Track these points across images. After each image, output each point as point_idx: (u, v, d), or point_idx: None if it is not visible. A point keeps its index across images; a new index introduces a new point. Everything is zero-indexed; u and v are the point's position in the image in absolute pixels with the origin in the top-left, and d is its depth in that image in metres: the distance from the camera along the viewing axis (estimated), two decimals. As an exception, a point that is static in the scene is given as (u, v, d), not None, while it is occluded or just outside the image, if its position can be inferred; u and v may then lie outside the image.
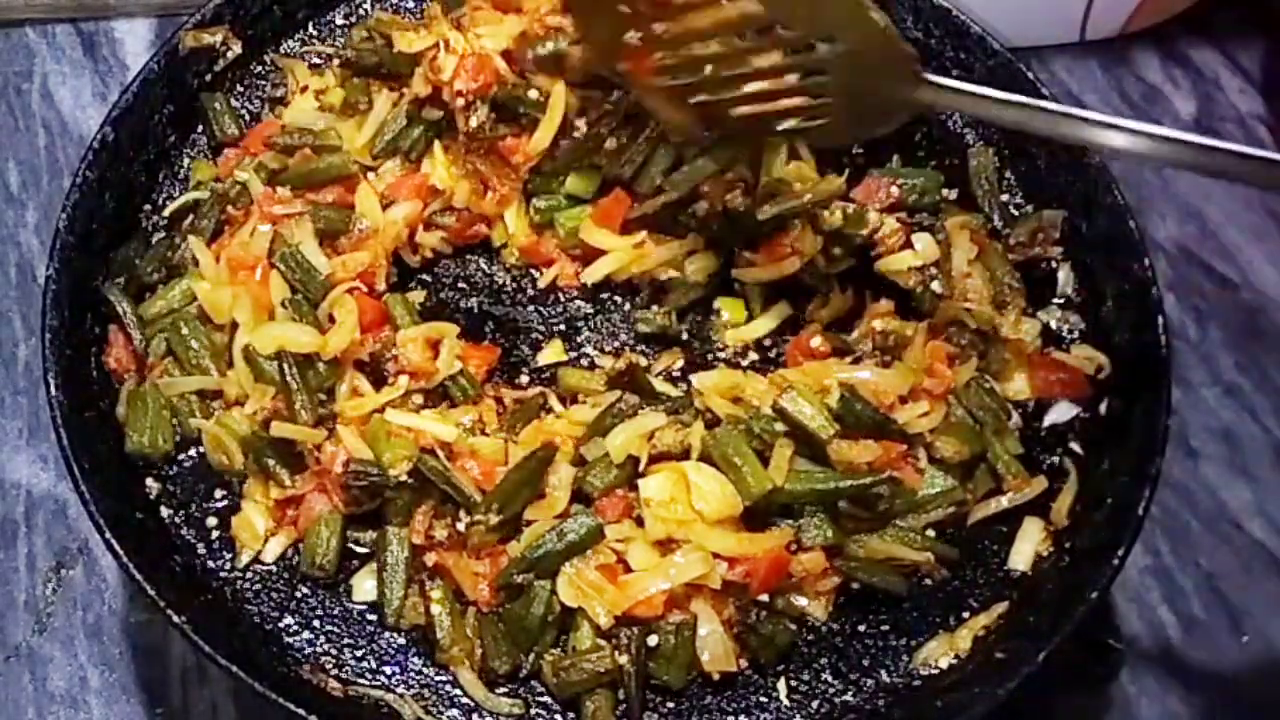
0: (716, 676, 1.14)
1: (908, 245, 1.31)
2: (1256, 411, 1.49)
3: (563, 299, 1.35)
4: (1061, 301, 1.32)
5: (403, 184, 1.32)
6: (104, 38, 1.68)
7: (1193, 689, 1.34)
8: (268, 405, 1.20)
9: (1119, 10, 1.66)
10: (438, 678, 1.15)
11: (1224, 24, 1.73)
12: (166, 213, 1.32)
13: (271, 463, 1.19)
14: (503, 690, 1.15)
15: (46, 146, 1.60)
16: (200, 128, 1.37)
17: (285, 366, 1.19)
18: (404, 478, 1.15)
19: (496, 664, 1.14)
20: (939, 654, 1.17)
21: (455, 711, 1.14)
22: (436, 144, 1.33)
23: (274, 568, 1.19)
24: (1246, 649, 1.36)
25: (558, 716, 1.14)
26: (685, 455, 1.17)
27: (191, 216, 1.31)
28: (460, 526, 1.15)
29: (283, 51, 1.42)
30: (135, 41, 1.68)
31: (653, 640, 1.13)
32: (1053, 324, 1.31)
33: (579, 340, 1.33)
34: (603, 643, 1.13)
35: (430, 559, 1.16)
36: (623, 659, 1.12)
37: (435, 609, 1.15)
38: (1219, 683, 1.35)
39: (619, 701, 1.13)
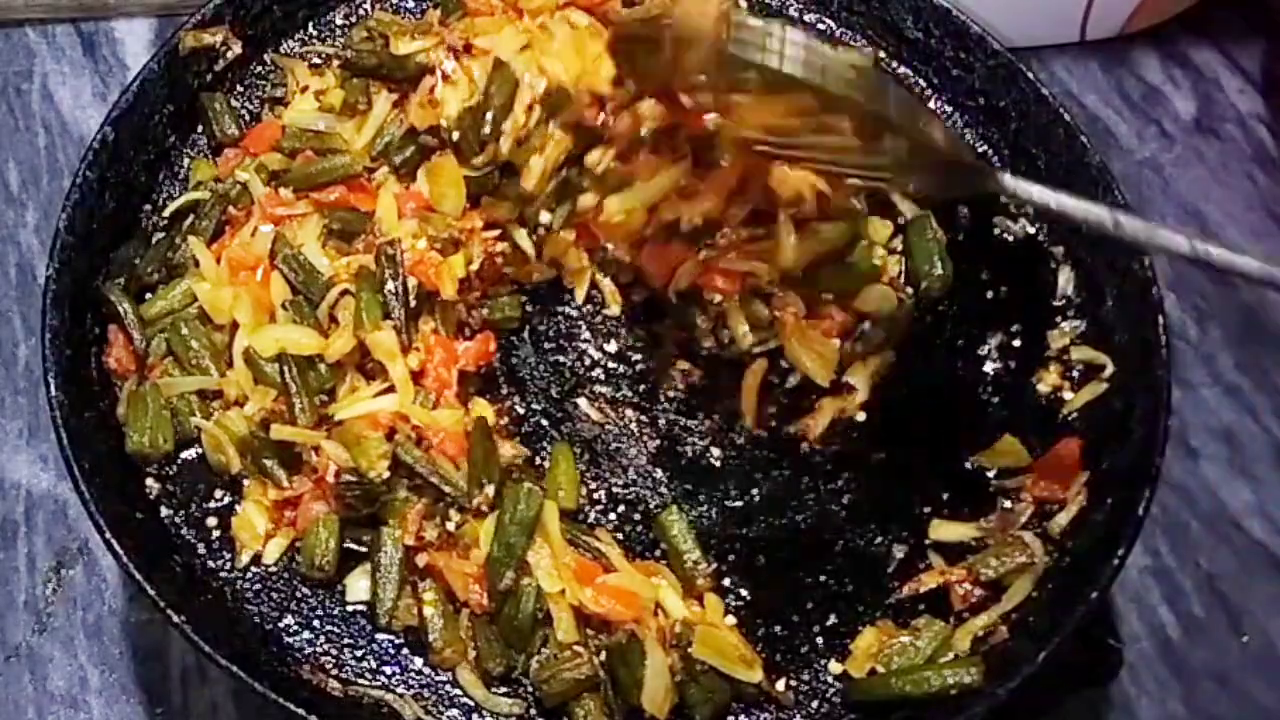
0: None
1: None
2: (1256, 411, 1.49)
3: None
4: (1061, 302, 1.32)
5: (408, 198, 1.30)
6: (104, 38, 1.68)
7: (1193, 689, 1.34)
8: (267, 406, 1.20)
9: (1119, 10, 1.66)
10: (437, 678, 1.15)
11: (1224, 24, 1.73)
12: (166, 213, 1.31)
13: (269, 464, 1.19)
14: (503, 690, 1.15)
15: (46, 146, 1.60)
16: (200, 128, 1.37)
17: (285, 368, 1.19)
18: (386, 474, 1.15)
19: (490, 665, 1.13)
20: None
21: (455, 711, 1.14)
22: (435, 157, 1.32)
23: (274, 568, 1.19)
24: (1246, 649, 1.36)
25: (559, 716, 1.14)
26: None
27: (192, 216, 1.30)
28: (450, 526, 1.15)
29: (283, 51, 1.41)
30: (135, 41, 1.68)
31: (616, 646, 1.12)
32: (1055, 334, 1.31)
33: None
34: (579, 649, 1.12)
35: (422, 560, 1.16)
36: (597, 662, 1.11)
37: (428, 610, 1.15)
38: (1219, 683, 1.35)
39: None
